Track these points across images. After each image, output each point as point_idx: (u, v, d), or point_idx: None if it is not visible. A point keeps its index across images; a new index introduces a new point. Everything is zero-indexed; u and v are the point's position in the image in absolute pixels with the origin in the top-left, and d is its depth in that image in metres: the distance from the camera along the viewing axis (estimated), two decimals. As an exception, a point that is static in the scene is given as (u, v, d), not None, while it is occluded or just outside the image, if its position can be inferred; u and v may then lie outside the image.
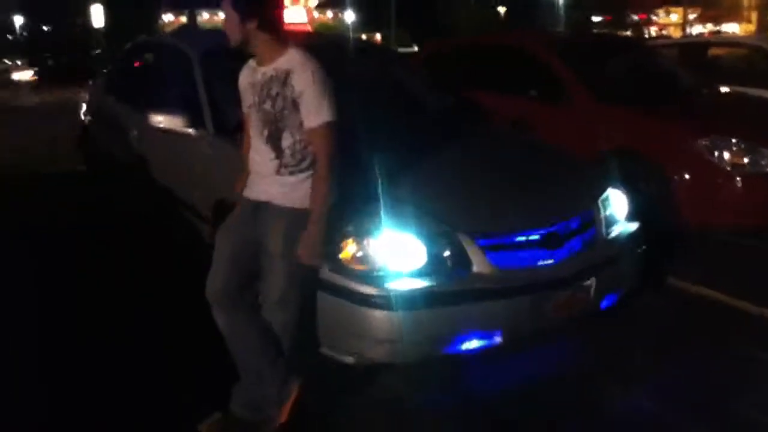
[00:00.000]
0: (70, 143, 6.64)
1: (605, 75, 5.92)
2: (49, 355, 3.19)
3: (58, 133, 8.72)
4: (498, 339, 2.87)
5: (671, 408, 2.90)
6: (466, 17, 35.41)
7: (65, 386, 2.96)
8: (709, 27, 38.16)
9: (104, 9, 31.19)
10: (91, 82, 6.15)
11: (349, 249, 2.77)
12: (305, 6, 46.98)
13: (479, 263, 2.81)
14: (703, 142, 4.68)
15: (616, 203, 3.41)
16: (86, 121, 5.95)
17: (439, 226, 2.82)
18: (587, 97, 5.40)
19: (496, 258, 2.85)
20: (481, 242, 2.83)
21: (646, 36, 36.21)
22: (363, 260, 2.76)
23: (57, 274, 4.00)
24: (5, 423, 2.69)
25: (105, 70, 6.44)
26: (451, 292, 2.77)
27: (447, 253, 2.81)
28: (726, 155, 4.59)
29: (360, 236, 2.78)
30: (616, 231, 3.34)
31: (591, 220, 3.22)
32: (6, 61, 48.64)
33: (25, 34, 52.44)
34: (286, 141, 2.58)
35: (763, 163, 4.60)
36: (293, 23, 42.97)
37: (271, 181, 2.64)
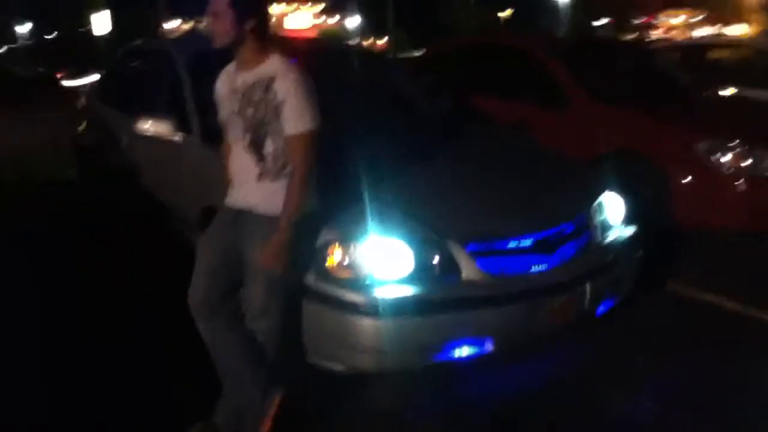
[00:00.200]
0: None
1: (605, 77, 5.84)
2: (48, 355, 3.16)
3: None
4: (489, 347, 2.80)
5: (671, 410, 2.85)
6: (466, 19, 35.29)
7: (64, 386, 2.92)
8: (714, 29, 38.04)
9: (111, 15, 31.24)
10: (88, 87, 6.10)
11: (334, 255, 2.71)
12: (308, 11, 47.12)
13: (468, 270, 2.74)
14: (702, 145, 4.61)
15: (612, 207, 3.34)
16: (80, 128, 5.91)
17: (427, 231, 2.75)
18: (586, 99, 5.34)
19: (486, 264, 2.78)
20: (471, 248, 2.76)
21: (650, 39, 36.14)
22: (349, 267, 2.70)
23: (55, 275, 3.96)
24: (5, 423, 2.65)
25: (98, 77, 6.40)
26: (439, 299, 2.70)
27: (435, 260, 2.74)
28: (725, 158, 4.52)
29: (346, 242, 2.71)
30: (612, 236, 3.26)
31: (585, 224, 3.14)
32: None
33: (28, 42, 52.62)
34: (269, 147, 2.52)
35: (763, 165, 4.51)
36: (296, 29, 43.10)
37: (253, 188, 2.58)
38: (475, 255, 2.77)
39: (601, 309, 3.12)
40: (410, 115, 4.18)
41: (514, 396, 2.94)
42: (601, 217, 3.25)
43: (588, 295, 2.96)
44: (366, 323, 2.63)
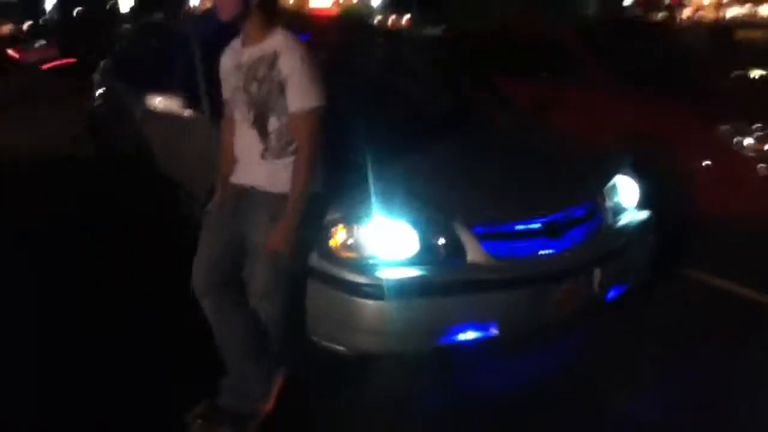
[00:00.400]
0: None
1: (626, 58, 5.71)
2: (48, 354, 3.13)
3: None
4: (494, 331, 2.76)
5: (678, 405, 2.78)
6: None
7: (64, 385, 2.90)
8: (745, 9, 37.13)
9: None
10: (101, 64, 6.11)
11: (338, 236, 2.68)
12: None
13: (474, 252, 2.70)
14: (725, 128, 4.49)
15: (624, 191, 3.27)
16: (95, 104, 5.93)
17: (432, 213, 2.72)
18: (606, 80, 5.24)
19: (492, 247, 2.73)
20: (477, 230, 2.72)
21: (679, 19, 35.40)
22: (353, 247, 2.67)
23: (55, 275, 3.93)
24: (5, 423, 2.65)
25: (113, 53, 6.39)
26: (444, 281, 2.67)
27: (440, 241, 2.70)
28: (747, 141, 4.40)
29: (350, 222, 2.68)
30: (624, 220, 3.19)
31: (596, 208, 3.08)
32: (36, 44, 49.30)
33: (55, 17, 52.98)
34: (273, 125, 2.49)
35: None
36: (319, 6, 42.81)
37: (256, 165, 2.54)
38: (481, 237, 2.72)
39: (611, 294, 3.06)
40: (422, 96, 4.11)
41: (517, 387, 2.89)
42: (613, 201, 3.18)
43: (597, 281, 2.91)
44: (369, 305, 2.61)
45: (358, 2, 47.09)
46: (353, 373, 2.94)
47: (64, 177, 6.14)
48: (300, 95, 2.40)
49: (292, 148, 2.48)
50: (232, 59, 2.60)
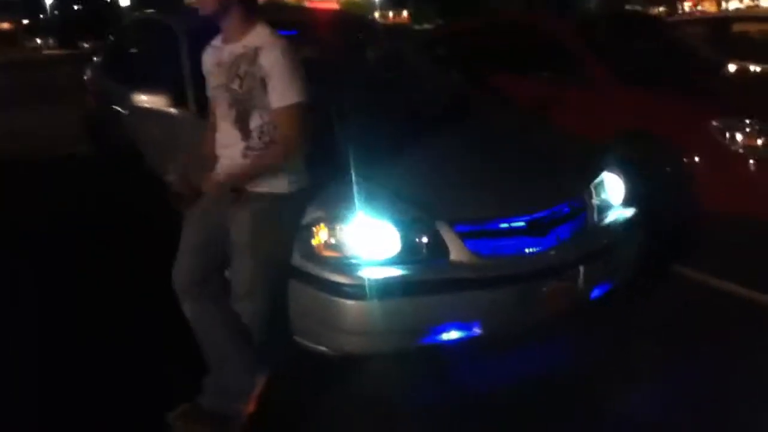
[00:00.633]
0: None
1: (622, 53, 5.67)
2: (48, 355, 3.14)
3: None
4: (477, 330, 2.74)
5: (679, 407, 2.75)
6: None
7: (64, 385, 2.90)
8: (748, 1, 36.94)
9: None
10: (93, 61, 6.10)
11: (320, 235, 2.66)
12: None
13: (457, 251, 2.67)
14: (717, 123, 4.45)
15: (611, 188, 3.24)
16: (88, 100, 5.92)
17: (414, 211, 2.69)
18: (603, 76, 5.19)
19: (475, 245, 2.71)
20: (459, 228, 2.70)
21: (680, 11, 35.23)
22: (335, 247, 2.65)
23: (55, 275, 3.95)
24: (5, 422, 2.65)
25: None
26: (427, 280, 2.64)
27: (423, 240, 2.67)
28: (739, 137, 4.36)
29: (332, 222, 2.66)
30: (610, 217, 3.17)
31: (581, 205, 3.05)
32: (38, 40, 49.44)
33: (56, 13, 53.09)
34: (255, 122, 2.47)
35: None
36: (320, 1, 42.69)
37: (238, 164, 2.53)
38: (464, 236, 2.70)
39: (595, 293, 3.03)
40: (408, 93, 4.06)
41: (507, 387, 2.87)
42: (600, 198, 3.15)
43: (582, 279, 2.88)
44: (351, 305, 2.58)
45: (358, -3, 46.96)
46: (338, 373, 2.93)
47: (64, 177, 6.17)
48: (281, 91, 2.39)
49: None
50: (214, 57, 2.59)
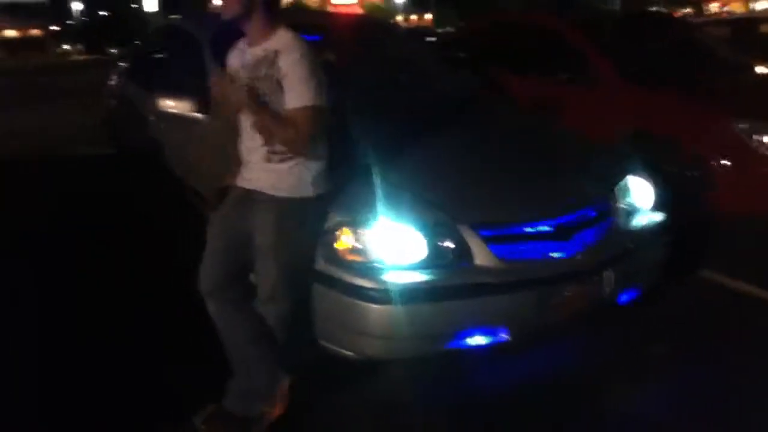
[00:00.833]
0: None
1: (639, 55, 5.61)
2: (49, 355, 3.16)
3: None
4: (504, 336, 2.72)
5: (693, 408, 2.73)
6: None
7: (65, 386, 2.92)
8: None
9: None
10: (119, 64, 6.20)
11: (344, 239, 2.65)
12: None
13: (482, 255, 2.65)
14: (743, 125, 4.39)
15: (636, 191, 3.20)
16: (111, 104, 6.00)
17: (439, 215, 2.67)
18: (617, 78, 5.15)
19: (500, 250, 2.69)
20: (484, 233, 2.67)
21: (707, 12, 34.81)
22: (358, 251, 2.64)
23: (55, 275, 3.98)
24: (5, 422, 2.67)
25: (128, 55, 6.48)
26: (451, 285, 2.62)
27: (447, 245, 2.65)
28: (766, 139, 4.29)
29: (355, 226, 2.65)
30: (636, 221, 3.13)
31: (607, 209, 3.02)
32: (66, 46, 50.31)
33: (84, 19, 53.97)
34: None
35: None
36: (341, 4, 42.86)
37: (261, 168, 2.54)
38: (489, 240, 2.68)
39: (623, 298, 3.01)
40: (428, 96, 4.05)
41: (522, 388, 2.85)
42: (624, 202, 3.12)
43: (607, 283, 2.85)
44: (375, 309, 2.57)
45: (381, 0, 47.01)
46: (358, 375, 2.92)
47: (64, 177, 6.24)
48: (297, 92, 2.38)
49: None
50: (238, 59, 2.60)
